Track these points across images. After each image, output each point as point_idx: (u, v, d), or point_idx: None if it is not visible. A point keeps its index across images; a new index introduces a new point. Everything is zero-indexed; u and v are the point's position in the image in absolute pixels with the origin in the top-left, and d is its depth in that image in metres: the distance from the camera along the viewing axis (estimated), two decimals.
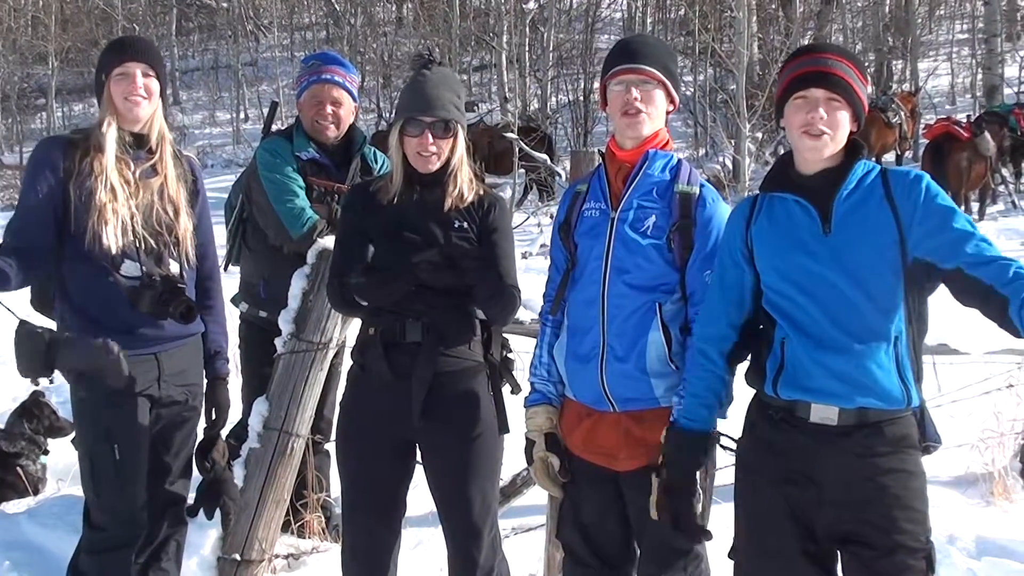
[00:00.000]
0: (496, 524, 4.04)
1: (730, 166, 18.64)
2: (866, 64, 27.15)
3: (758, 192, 3.41)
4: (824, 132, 3.16)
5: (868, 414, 3.13)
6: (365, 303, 3.83)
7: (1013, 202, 18.10)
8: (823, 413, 3.16)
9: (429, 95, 3.77)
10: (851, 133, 3.25)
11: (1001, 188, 18.42)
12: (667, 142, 3.71)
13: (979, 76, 25.67)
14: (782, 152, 3.36)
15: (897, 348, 3.12)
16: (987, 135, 16.39)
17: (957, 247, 3.02)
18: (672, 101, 3.69)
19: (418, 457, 4.01)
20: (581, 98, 26.54)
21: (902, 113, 19.78)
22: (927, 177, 3.16)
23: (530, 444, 3.83)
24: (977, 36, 26.90)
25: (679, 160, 3.67)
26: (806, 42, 25.15)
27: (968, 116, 17.45)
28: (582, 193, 3.75)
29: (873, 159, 20.21)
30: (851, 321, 3.13)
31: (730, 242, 3.40)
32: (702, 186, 3.61)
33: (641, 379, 3.54)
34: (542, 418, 3.79)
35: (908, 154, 21.08)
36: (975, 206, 17.47)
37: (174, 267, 3.98)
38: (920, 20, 29.20)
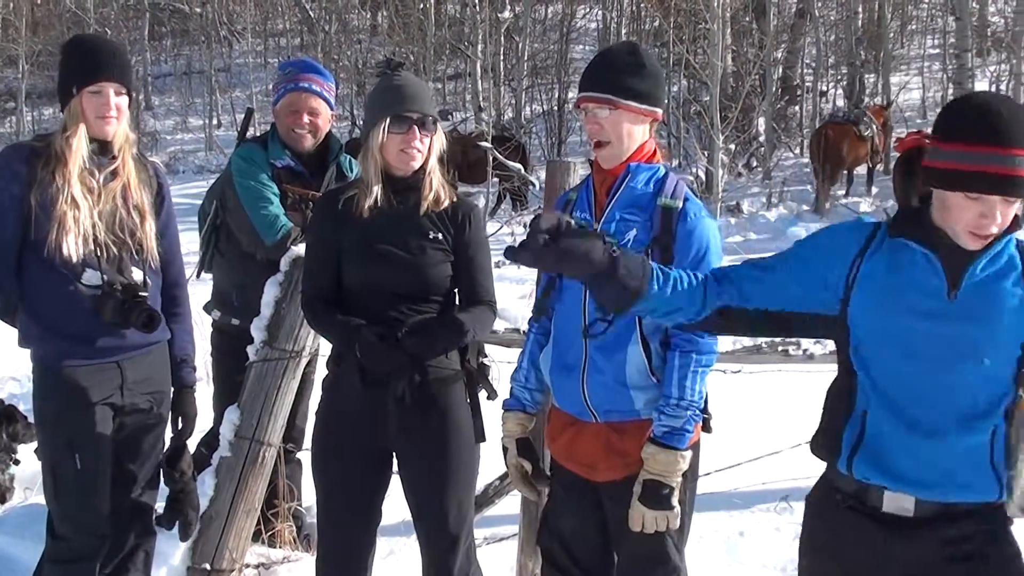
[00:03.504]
0: (471, 533, 4.04)
1: (703, 177, 18.70)
2: (839, 78, 27.36)
3: (880, 222, 3.00)
4: (993, 233, 2.76)
5: (951, 506, 2.84)
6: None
7: None
8: (898, 503, 2.88)
9: (412, 92, 3.79)
10: None
11: None
12: (653, 153, 3.66)
13: (950, 91, 25.82)
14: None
15: (994, 438, 2.81)
16: None
17: None
18: (649, 113, 3.60)
19: (394, 466, 3.99)
20: (555, 108, 26.62)
21: (874, 126, 19.87)
22: None
23: (505, 450, 3.85)
24: (948, 51, 27.10)
25: (666, 172, 3.62)
26: (779, 55, 25.46)
27: None
28: (572, 201, 3.74)
29: (845, 172, 20.47)
30: (956, 404, 2.81)
31: (827, 256, 2.98)
32: (687, 200, 3.54)
33: (621, 391, 3.53)
34: (512, 424, 3.82)
35: (880, 167, 21.18)
36: None
37: (137, 274, 3.94)
38: (892, 35, 29.36)
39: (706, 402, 3.59)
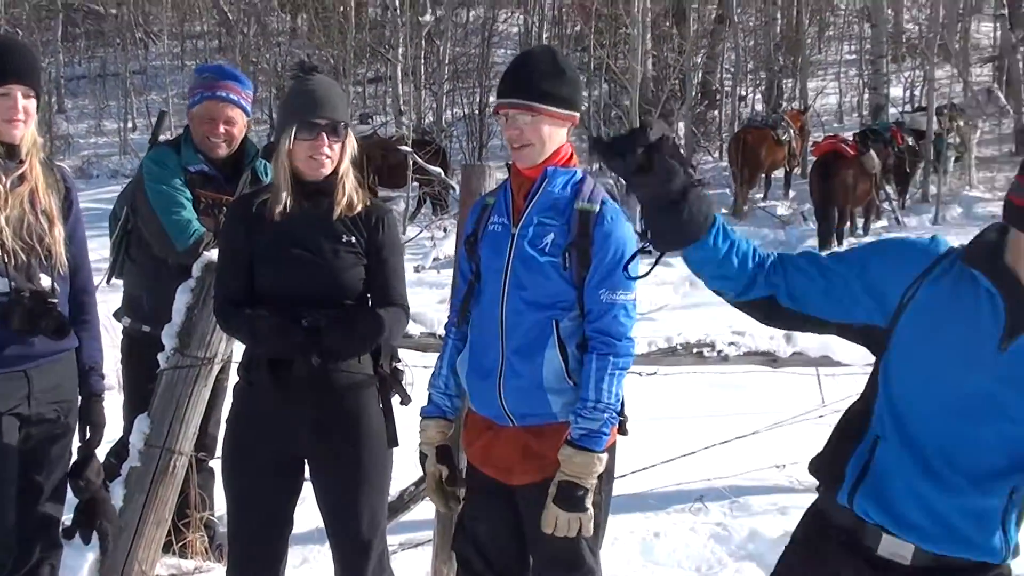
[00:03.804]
0: (384, 539, 4.02)
1: (623, 181, 18.74)
2: (757, 82, 27.64)
3: (952, 248, 2.74)
4: None
5: (951, 560, 2.65)
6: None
7: (896, 218, 18.56)
8: (895, 549, 2.68)
9: (320, 97, 3.73)
10: None
11: (885, 205, 18.83)
12: (570, 157, 3.66)
13: (865, 96, 26.33)
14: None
15: (1012, 499, 2.60)
16: (872, 153, 16.77)
17: None
18: (568, 118, 3.60)
19: (306, 473, 3.96)
20: (476, 112, 26.57)
21: (791, 131, 20.17)
22: None
23: (423, 456, 3.82)
24: (864, 57, 27.55)
25: (583, 176, 3.62)
26: (699, 60, 25.67)
27: (854, 135, 17.84)
28: (490, 206, 3.73)
29: (763, 176, 20.68)
30: (977, 461, 2.58)
31: (890, 266, 2.75)
32: (603, 203, 3.54)
33: (538, 395, 3.54)
34: (433, 431, 3.80)
35: (797, 171, 21.46)
36: (860, 222, 17.87)
37: (45, 281, 3.85)
38: (810, 41, 29.86)
39: (622, 404, 3.59)
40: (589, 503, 3.45)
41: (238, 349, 4.20)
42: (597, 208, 3.52)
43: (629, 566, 5.30)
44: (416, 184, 19.28)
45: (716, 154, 24.97)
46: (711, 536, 5.60)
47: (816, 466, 2.91)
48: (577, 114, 3.63)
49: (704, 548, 5.50)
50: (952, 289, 2.62)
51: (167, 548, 4.87)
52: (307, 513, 4.10)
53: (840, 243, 16.44)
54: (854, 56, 30.93)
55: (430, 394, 3.86)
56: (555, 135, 3.58)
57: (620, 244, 3.49)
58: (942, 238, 2.78)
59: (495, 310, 3.59)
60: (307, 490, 3.98)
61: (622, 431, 3.66)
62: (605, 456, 3.49)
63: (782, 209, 19.95)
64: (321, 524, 4.01)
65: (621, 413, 3.58)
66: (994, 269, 2.54)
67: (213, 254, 4.45)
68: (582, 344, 3.54)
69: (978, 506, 2.58)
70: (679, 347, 5.19)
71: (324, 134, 3.71)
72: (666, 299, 12.81)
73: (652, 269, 2.94)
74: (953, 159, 20.86)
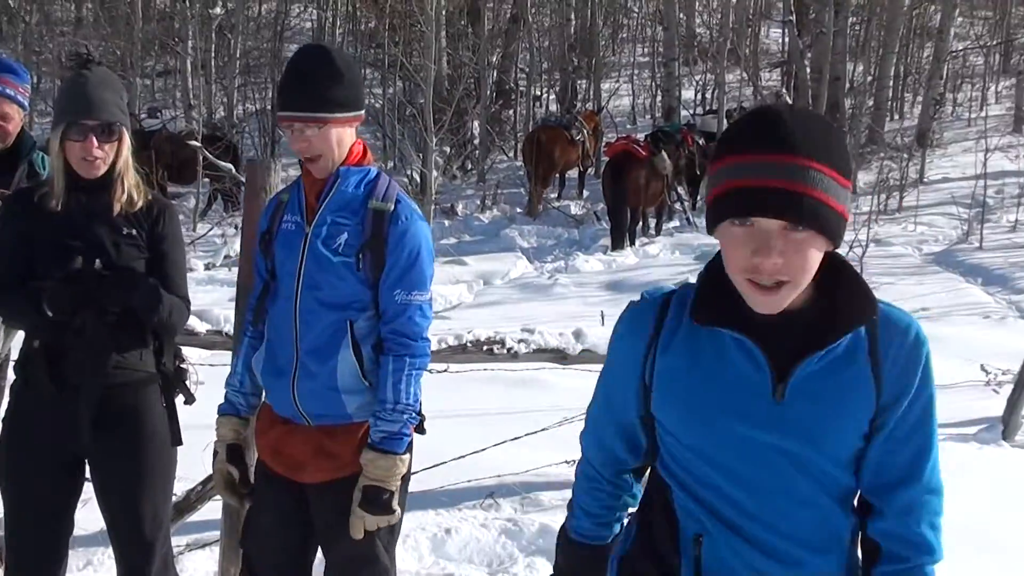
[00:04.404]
0: (168, 540, 3.97)
1: (418, 179, 18.79)
2: (552, 83, 28.02)
3: (669, 294, 2.38)
4: (781, 282, 2.07)
5: None
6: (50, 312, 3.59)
7: (687, 218, 19.03)
8: None
9: (91, 97, 3.61)
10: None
11: (677, 205, 19.32)
12: (363, 154, 3.61)
13: (658, 98, 26.97)
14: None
15: (852, 547, 2.34)
16: (664, 154, 17.18)
17: (901, 482, 2.23)
18: (355, 119, 3.55)
19: (87, 473, 3.85)
20: (268, 107, 26.18)
21: (585, 131, 20.47)
22: (927, 344, 2.20)
23: (215, 454, 3.76)
24: (657, 60, 28.20)
25: (378, 174, 3.58)
26: (494, 59, 25.92)
27: (646, 136, 18.24)
28: (284, 203, 3.65)
29: (557, 176, 20.97)
30: (808, 521, 2.26)
31: (623, 365, 2.42)
32: (398, 201, 3.50)
33: (332, 396, 3.50)
34: (226, 429, 3.73)
35: (591, 171, 21.84)
36: (652, 222, 18.29)
37: None
38: (604, 42, 30.40)
39: (420, 404, 3.59)
40: (395, 505, 3.46)
41: (15, 348, 4.05)
42: (391, 207, 3.49)
43: (421, 563, 5.30)
44: (207, 180, 18.92)
45: (511, 153, 25.22)
46: (502, 532, 5.64)
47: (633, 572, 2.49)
48: (363, 111, 3.60)
49: (496, 544, 5.53)
50: (689, 350, 2.29)
51: None
52: (90, 515, 3.99)
53: (632, 243, 16.80)
54: (647, 59, 31.59)
55: (226, 392, 3.80)
56: (344, 138, 3.52)
57: (415, 243, 3.47)
58: (651, 290, 2.44)
59: (289, 309, 3.53)
60: (90, 491, 3.86)
61: (420, 430, 3.64)
62: (407, 457, 3.50)
63: (576, 208, 20.26)
64: (105, 526, 3.91)
65: (419, 413, 3.58)
66: (732, 312, 2.19)
67: None
68: (377, 345, 3.51)
69: (827, 569, 2.29)
70: (469, 344, 5.23)
71: (94, 136, 3.61)
72: (460, 297, 12.88)
73: None
74: None
